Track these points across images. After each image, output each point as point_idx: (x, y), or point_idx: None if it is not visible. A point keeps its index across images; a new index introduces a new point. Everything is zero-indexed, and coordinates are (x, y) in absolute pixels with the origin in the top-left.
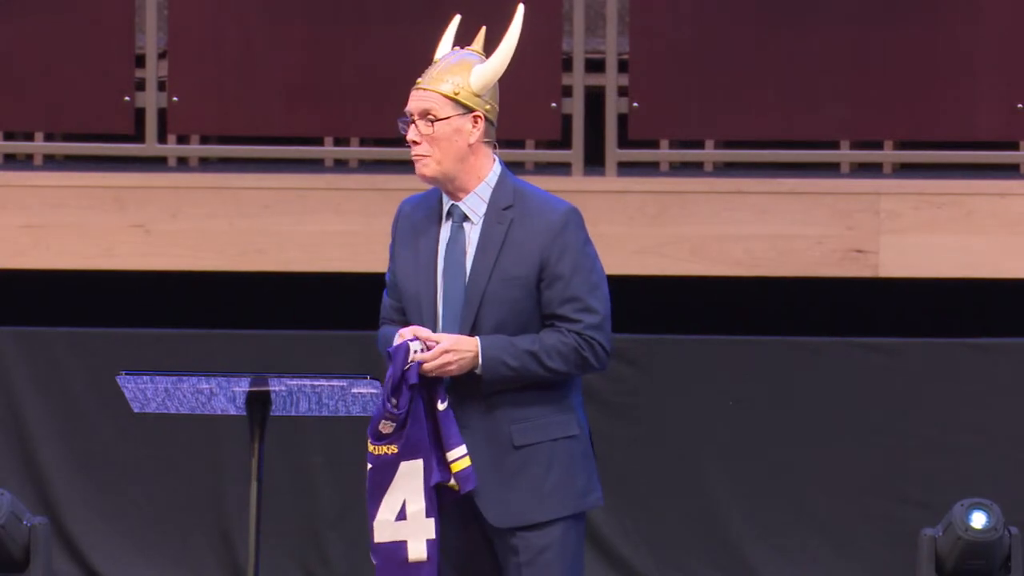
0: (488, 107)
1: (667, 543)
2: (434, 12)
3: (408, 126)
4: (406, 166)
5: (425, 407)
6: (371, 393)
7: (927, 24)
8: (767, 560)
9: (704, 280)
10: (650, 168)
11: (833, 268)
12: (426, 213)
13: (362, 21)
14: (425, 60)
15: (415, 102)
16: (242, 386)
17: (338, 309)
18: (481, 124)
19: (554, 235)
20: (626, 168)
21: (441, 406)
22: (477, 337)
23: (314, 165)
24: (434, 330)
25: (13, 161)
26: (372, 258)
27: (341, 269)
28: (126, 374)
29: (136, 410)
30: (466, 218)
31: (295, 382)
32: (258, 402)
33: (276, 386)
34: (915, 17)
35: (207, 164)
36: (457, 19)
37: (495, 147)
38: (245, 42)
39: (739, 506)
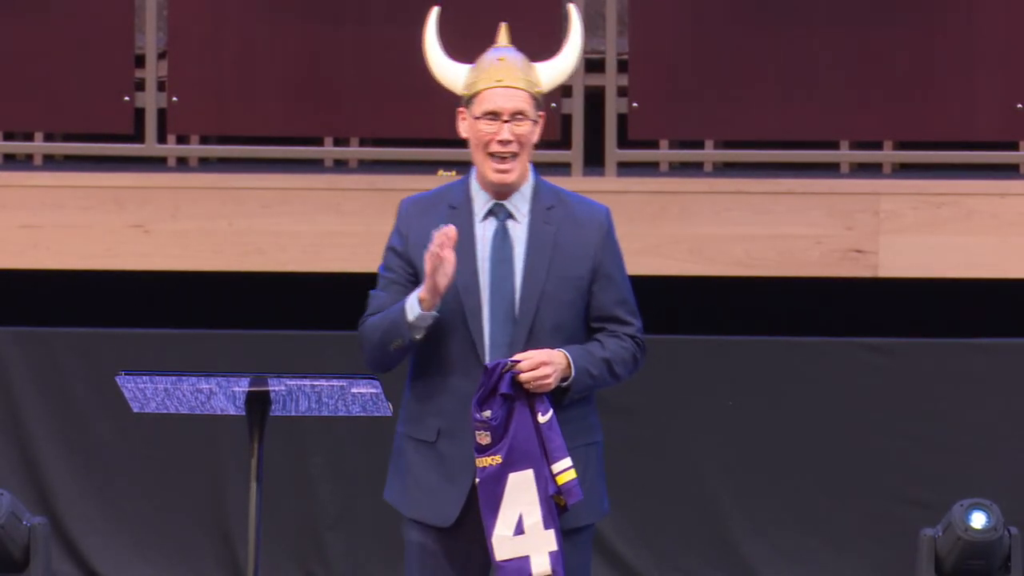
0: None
1: (667, 543)
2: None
3: (501, 125)
4: (406, 166)
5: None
6: (371, 393)
7: (927, 24)
8: (767, 560)
9: (704, 280)
10: (650, 168)
11: (833, 268)
12: (447, 210)
13: (362, 21)
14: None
15: (509, 101)
16: (242, 386)
17: (338, 309)
18: (541, 124)
19: (603, 236)
20: (626, 168)
21: (543, 418)
22: (561, 349)
23: (314, 165)
24: (479, 323)
25: (13, 161)
26: (372, 258)
27: (341, 269)
28: (126, 374)
29: (136, 410)
30: (510, 216)
31: (295, 382)
32: (258, 402)
33: (276, 386)
34: (915, 17)
35: (207, 164)
36: (436, 10)
37: None
38: (245, 42)
39: (739, 506)
